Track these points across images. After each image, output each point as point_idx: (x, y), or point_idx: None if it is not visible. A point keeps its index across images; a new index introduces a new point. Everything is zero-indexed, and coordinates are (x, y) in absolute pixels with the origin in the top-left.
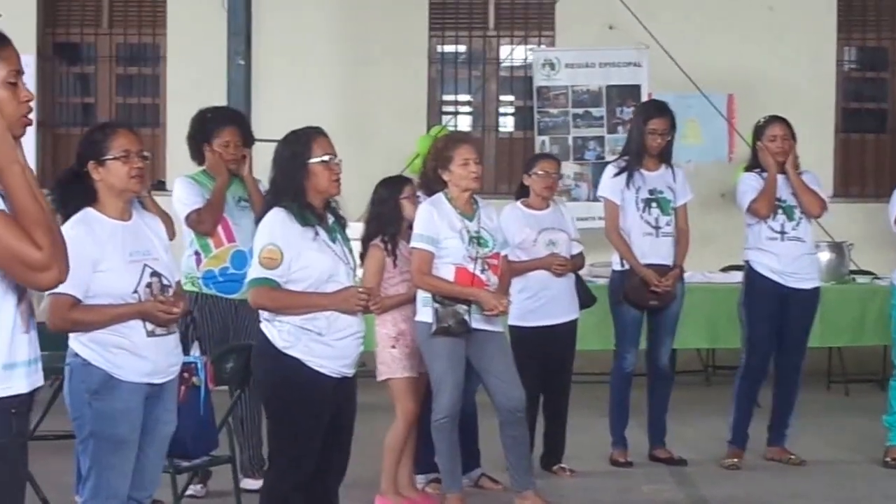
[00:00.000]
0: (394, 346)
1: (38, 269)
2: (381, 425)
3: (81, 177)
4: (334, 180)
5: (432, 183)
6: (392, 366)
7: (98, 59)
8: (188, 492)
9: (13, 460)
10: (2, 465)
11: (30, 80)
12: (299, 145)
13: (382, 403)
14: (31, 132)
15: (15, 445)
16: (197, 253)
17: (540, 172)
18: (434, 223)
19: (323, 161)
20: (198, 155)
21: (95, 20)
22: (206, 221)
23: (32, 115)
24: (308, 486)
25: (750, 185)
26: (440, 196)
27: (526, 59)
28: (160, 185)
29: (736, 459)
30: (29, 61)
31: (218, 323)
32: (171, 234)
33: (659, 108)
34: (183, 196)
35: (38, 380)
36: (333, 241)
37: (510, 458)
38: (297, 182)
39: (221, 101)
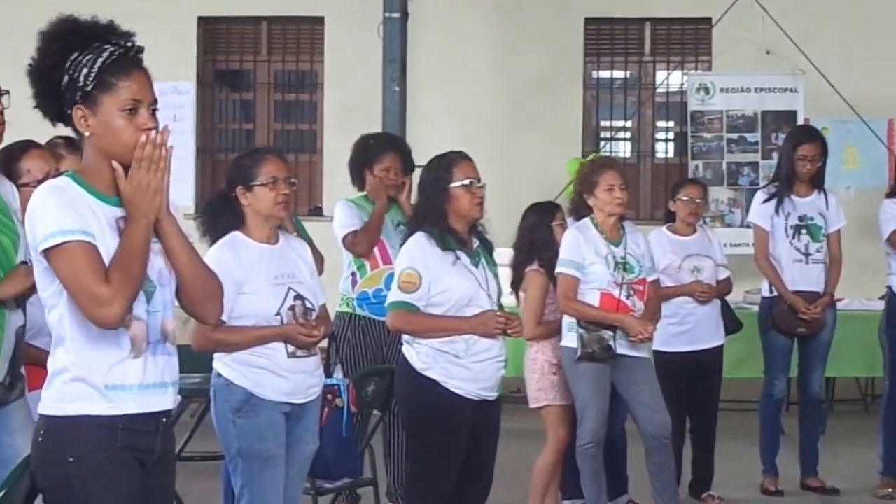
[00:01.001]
0: (555, 373)
1: (100, 303)
2: (530, 451)
3: (231, 201)
4: (476, 204)
5: (581, 208)
6: (551, 392)
7: (257, 86)
8: None
9: (118, 473)
10: (103, 477)
11: (189, 106)
12: (441, 170)
13: (532, 429)
14: (191, 158)
15: (123, 460)
16: (353, 274)
17: (684, 198)
18: (580, 248)
19: (464, 185)
20: (359, 179)
21: (255, 48)
22: (361, 243)
23: (192, 142)
24: None
25: (891, 213)
26: (586, 221)
27: (682, 84)
28: (317, 211)
29: (889, 489)
30: (189, 88)
31: (371, 345)
32: (319, 270)
33: (809, 134)
34: (342, 218)
35: (161, 403)
36: (476, 265)
37: (656, 484)
38: (439, 206)
39: (377, 127)
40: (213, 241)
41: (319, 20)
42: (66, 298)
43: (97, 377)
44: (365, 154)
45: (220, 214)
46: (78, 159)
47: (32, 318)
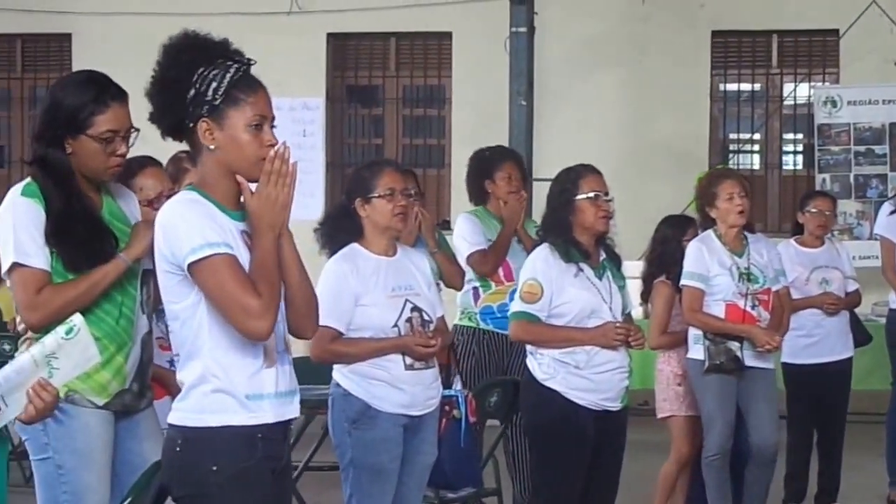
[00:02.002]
0: (679, 384)
1: (253, 315)
2: (655, 463)
3: (350, 213)
4: (601, 217)
5: (705, 221)
6: (675, 403)
7: (385, 102)
8: None
9: (259, 483)
10: (242, 487)
11: (319, 122)
12: (567, 182)
13: (658, 441)
14: (320, 173)
15: (261, 469)
16: (476, 289)
17: (813, 210)
18: (704, 260)
19: (589, 198)
20: (477, 193)
21: (383, 64)
22: (488, 263)
23: (321, 157)
24: None
25: None
26: (709, 233)
27: (810, 96)
28: (445, 225)
29: None
30: (318, 104)
31: (495, 358)
32: (460, 285)
33: None
34: (466, 234)
35: (289, 412)
36: (599, 277)
37: (747, 494)
38: (564, 218)
39: (503, 141)
40: (332, 253)
41: (447, 35)
42: (203, 311)
43: (238, 388)
44: (483, 166)
45: (338, 226)
46: None
47: None
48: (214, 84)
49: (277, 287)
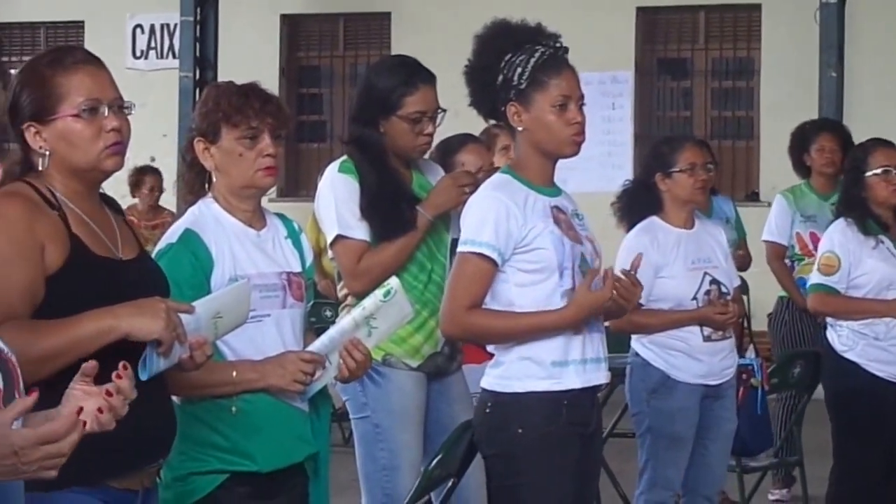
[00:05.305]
0: None
1: (446, 320)
2: None
3: (648, 187)
4: (894, 190)
5: None
6: None
7: (694, 74)
8: (773, 497)
9: (565, 448)
10: (547, 450)
11: (627, 95)
12: (858, 159)
13: None
14: (628, 145)
15: (567, 434)
16: (791, 260)
17: None
18: None
19: (877, 174)
20: (799, 167)
21: (692, 36)
22: (771, 262)
23: (629, 129)
24: (877, 494)
25: None
26: None
27: None
28: (754, 196)
29: None
30: (627, 77)
31: (809, 328)
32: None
33: None
34: (771, 219)
35: (596, 378)
36: None
37: None
38: (857, 195)
39: (813, 114)
40: (630, 226)
41: (756, 7)
42: (507, 282)
43: (543, 354)
44: (800, 140)
45: (635, 201)
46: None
47: None
48: (520, 69)
49: (499, 330)
